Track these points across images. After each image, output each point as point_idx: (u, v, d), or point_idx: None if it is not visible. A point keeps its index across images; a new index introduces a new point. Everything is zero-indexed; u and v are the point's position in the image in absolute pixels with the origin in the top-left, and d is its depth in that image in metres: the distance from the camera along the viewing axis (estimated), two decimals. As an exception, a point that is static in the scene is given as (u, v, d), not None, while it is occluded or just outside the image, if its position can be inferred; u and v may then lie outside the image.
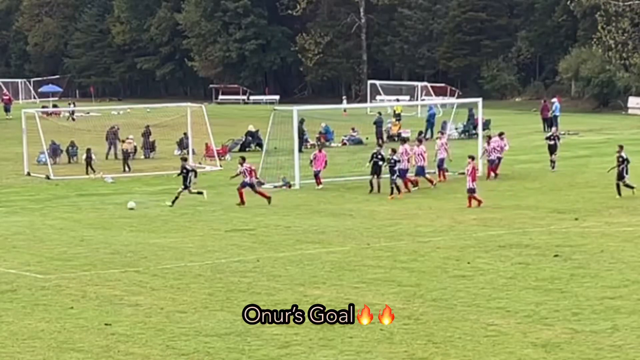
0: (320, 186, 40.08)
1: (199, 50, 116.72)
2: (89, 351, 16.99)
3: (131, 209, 35.13)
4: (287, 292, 20.88)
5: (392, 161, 37.22)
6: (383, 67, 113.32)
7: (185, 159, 39.07)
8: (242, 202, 35.57)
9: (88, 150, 50.21)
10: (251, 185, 36.33)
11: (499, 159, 41.52)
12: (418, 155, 39.39)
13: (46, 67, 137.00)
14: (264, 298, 20.33)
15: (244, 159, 37.64)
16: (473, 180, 33.44)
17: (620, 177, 33.98)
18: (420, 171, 39.55)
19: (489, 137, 42.78)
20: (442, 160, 41.36)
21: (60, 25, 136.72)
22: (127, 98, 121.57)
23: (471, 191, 33.40)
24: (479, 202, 33.31)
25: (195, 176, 37.17)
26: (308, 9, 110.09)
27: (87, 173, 48.22)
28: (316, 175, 40.43)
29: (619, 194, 33.79)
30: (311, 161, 40.77)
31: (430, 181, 39.41)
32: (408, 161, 38.89)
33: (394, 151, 38.20)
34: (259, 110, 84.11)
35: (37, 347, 17.35)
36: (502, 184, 39.38)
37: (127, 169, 50.05)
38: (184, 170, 36.74)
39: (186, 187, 36.35)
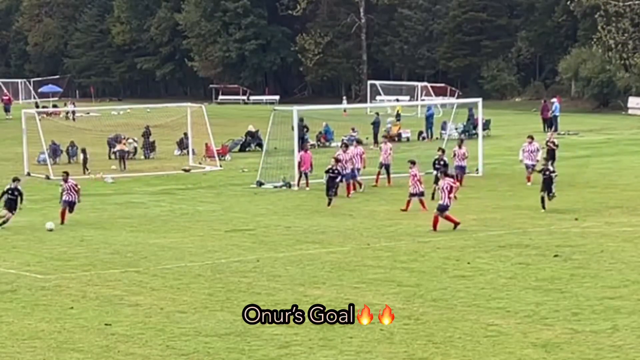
0: (308, 188, 39.54)
1: (199, 51, 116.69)
2: (89, 351, 16.99)
3: (50, 230, 30.96)
4: (287, 292, 20.89)
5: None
6: (383, 67, 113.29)
7: (17, 180, 33.03)
8: (62, 221, 32.32)
9: (84, 151, 50.52)
10: (71, 205, 32.76)
11: (533, 165, 37.74)
12: (356, 156, 38.29)
13: (46, 67, 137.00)
14: (264, 298, 20.33)
15: (67, 174, 33.87)
16: (420, 183, 32.76)
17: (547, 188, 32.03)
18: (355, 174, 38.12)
19: (461, 141, 41.01)
20: (387, 166, 39.74)
21: (60, 25, 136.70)
22: (127, 98, 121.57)
23: (412, 195, 32.64)
24: (407, 207, 32.55)
25: (22, 201, 32.34)
26: (308, 9, 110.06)
27: (84, 173, 48.42)
28: (306, 176, 39.80)
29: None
30: (299, 163, 39.93)
31: (358, 185, 38.22)
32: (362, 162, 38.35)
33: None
34: (259, 110, 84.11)
35: (37, 347, 17.35)
36: (502, 184, 39.36)
37: (123, 167, 50.28)
38: (15, 194, 32.01)
39: (13, 210, 32.00)
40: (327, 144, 58.96)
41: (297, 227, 30.17)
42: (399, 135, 61.61)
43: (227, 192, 40.12)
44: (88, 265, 24.80)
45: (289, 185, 40.63)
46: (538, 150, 38.90)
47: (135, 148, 56.77)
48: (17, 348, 17.31)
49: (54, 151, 53.84)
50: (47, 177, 46.74)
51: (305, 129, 54.09)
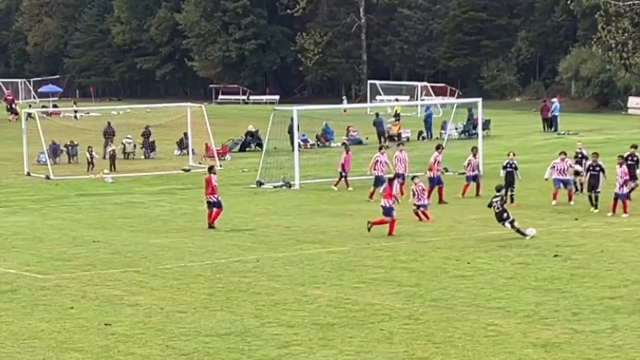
0: (351, 188, 38.82)
1: (199, 50, 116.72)
2: (89, 351, 16.99)
3: (533, 236, 26.72)
4: (287, 292, 20.89)
5: None
6: (383, 67, 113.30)
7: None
8: None
9: (67, 146, 51.81)
10: None
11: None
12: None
13: (46, 67, 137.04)
14: (264, 298, 20.34)
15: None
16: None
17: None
18: None
19: (476, 149, 38.06)
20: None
21: (60, 25, 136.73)
22: (127, 98, 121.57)
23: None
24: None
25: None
26: (308, 9, 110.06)
27: (68, 162, 50.05)
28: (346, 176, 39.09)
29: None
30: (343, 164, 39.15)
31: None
32: None
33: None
34: (259, 110, 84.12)
35: (37, 347, 17.34)
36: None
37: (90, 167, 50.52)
38: None
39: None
40: (327, 143, 59.03)
41: (297, 227, 30.17)
42: (399, 135, 61.63)
43: (227, 192, 40.06)
44: (88, 265, 24.79)
45: (289, 185, 40.65)
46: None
47: (135, 146, 56.81)
48: (17, 348, 17.30)
49: (54, 151, 53.85)
50: (47, 177, 46.77)
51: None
